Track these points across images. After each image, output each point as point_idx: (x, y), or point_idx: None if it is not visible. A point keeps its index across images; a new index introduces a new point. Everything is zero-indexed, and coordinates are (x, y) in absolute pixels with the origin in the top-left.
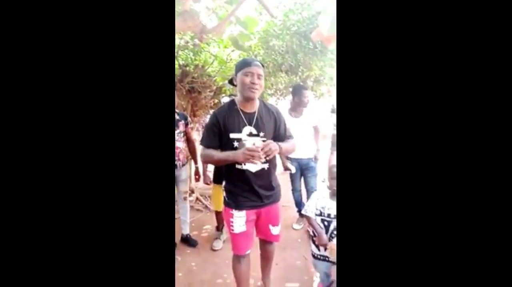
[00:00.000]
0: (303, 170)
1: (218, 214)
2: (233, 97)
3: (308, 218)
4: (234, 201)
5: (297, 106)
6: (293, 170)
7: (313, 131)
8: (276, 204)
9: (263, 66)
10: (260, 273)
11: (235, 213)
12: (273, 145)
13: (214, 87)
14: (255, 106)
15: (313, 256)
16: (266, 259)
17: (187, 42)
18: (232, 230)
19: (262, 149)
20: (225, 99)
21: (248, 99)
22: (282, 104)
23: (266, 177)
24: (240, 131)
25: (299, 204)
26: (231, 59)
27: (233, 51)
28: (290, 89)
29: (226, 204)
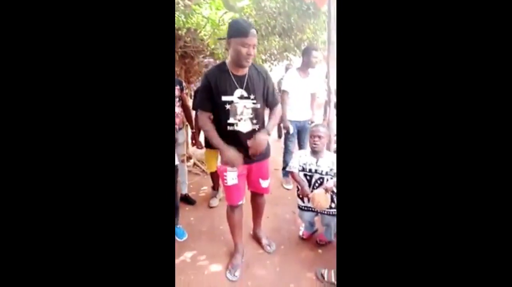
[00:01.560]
0: (299, 131)
1: (213, 174)
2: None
3: (292, 173)
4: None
5: (305, 66)
6: (291, 131)
7: (310, 97)
8: (266, 160)
9: (256, 32)
10: (252, 224)
11: (228, 167)
12: (259, 140)
13: (208, 52)
14: (245, 69)
15: (299, 207)
16: (257, 211)
17: (178, 3)
18: (226, 182)
19: (250, 148)
20: (206, 61)
21: (242, 67)
22: (276, 70)
23: None
24: (231, 94)
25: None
26: (223, 22)
27: (225, 13)
28: (285, 53)
29: (221, 160)
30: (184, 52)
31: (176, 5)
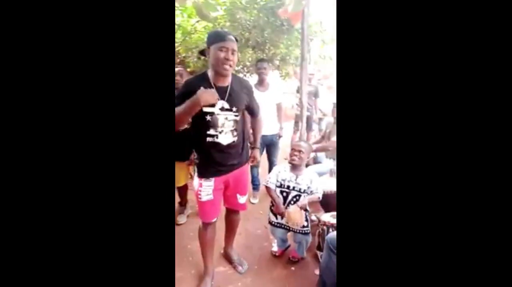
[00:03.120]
0: (267, 145)
1: (180, 189)
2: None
3: (268, 189)
4: (204, 170)
5: (261, 79)
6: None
7: (276, 108)
8: (244, 171)
9: (236, 40)
10: (224, 242)
11: (204, 182)
12: (257, 154)
13: (178, 60)
14: (228, 80)
15: (270, 223)
16: (231, 228)
17: None
18: (200, 198)
19: (251, 160)
20: (176, 69)
21: (222, 75)
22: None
23: (236, 147)
24: (212, 105)
25: (255, 179)
26: (195, 30)
27: (198, 21)
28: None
29: (198, 175)
30: None
31: None
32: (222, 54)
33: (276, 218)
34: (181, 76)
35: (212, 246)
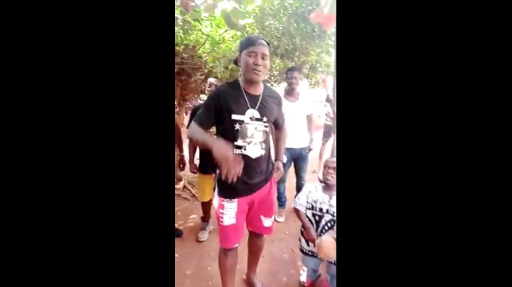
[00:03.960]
0: (295, 160)
1: (204, 204)
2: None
3: (297, 211)
4: (228, 190)
5: (290, 89)
6: (284, 160)
7: (306, 120)
8: (269, 189)
9: (268, 45)
10: (246, 266)
11: (226, 204)
12: (281, 165)
13: (206, 70)
14: (259, 89)
15: (301, 250)
16: (254, 253)
17: (176, 18)
18: (221, 222)
19: (276, 174)
20: (212, 80)
21: (252, 82)
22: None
23: (263, 162)
24: (243, 113)
25: (281, 196)
26: (223, 40)
27: (226, 31)
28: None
29: (219, 193)
30: (181, 69)
31: (175, 21)
32: (251, 60)
33: (308, 245)
34: (211, 86)
35: (233, 273)
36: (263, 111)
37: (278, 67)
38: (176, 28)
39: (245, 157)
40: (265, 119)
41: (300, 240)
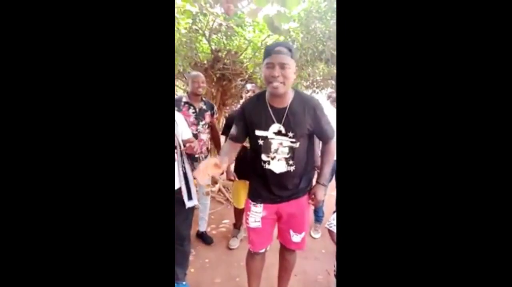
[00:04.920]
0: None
1: (237, 211)
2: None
3: (331, 233)
4: (254, 193)
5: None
6: None
7: None
8: (301, 205)
9: (290, 50)
10: (275, 283)
11: (253, 207)
12: (320, 192)
13: (246, 76)
14: (286, 101)
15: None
16: (284, 268)
17: (221, 24)
18: (248, 223)
19: (312, 201)
20: (249, 87)
21: (273, 95)
22: (318, 98)
23: (291, 178)
24: (266, 129)
25: (319, 210)
26: (265, 45)
27: (268, 36)
28: (330, 81)
29: (249, 195)
30: (222, 75)
31: (218, 27)
32: (267, 72)
33: None
34: (253, 93)
35: (259, 276)
36: (289, 125)
37: (322, 73)
38: (219, 34)
39: (270, 171)
40: (291, 134)
41: (335, 265)
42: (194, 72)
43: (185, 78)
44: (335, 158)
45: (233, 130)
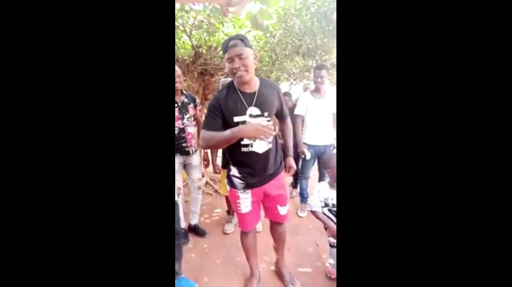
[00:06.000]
0: (319, 157)
1: (228, 198)
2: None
3: (315, 213)
4: (239, 183)
5: (317, 86)
6: (308, 156)
7: (332, 118)
8: (281, 180)
9: (243, 41)
10: (274, 258)
11: (241, 195)
12: (292, 162)
13: (226, 70)
14: (254, 86)
15: (331, 245)
16: (278, 240)
17: (202, 21)
18: (239, 210)
19: (287, 171)
20: (222, 81)
21: (241, 82)
22: (295, 89)
23: (271, 155)
24: (243, 113)
25: (304, 191)
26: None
27: (248, 31)
28: (306, 73)
29: (231, 185)
30: (204, 70)
31: (199, 23)
32: (229, 66)
33: (336, 239)
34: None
35: (255, 250)
36: (261, 106)
37: (297, 65)
38: (200, 31)
39: (253, 153)
40: (266, 113)
41: (328, 237)
42: None
43: None
44: (291, 128)
45: (207, 122)
